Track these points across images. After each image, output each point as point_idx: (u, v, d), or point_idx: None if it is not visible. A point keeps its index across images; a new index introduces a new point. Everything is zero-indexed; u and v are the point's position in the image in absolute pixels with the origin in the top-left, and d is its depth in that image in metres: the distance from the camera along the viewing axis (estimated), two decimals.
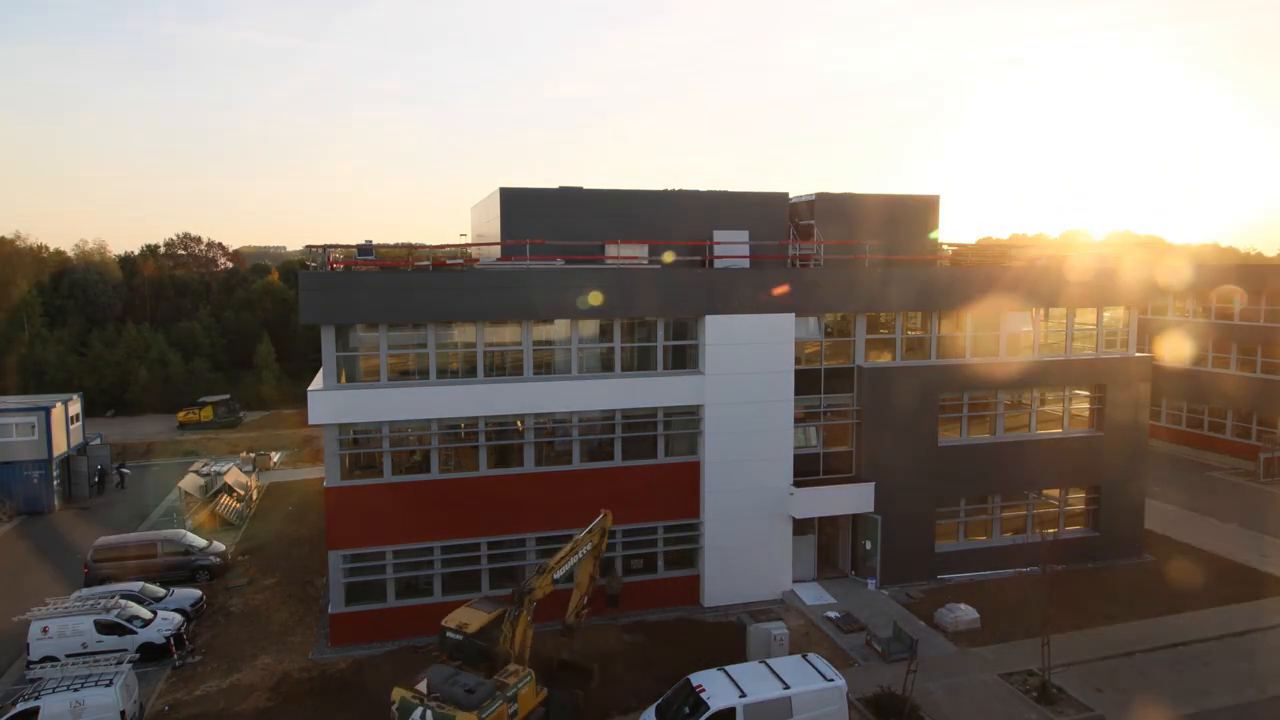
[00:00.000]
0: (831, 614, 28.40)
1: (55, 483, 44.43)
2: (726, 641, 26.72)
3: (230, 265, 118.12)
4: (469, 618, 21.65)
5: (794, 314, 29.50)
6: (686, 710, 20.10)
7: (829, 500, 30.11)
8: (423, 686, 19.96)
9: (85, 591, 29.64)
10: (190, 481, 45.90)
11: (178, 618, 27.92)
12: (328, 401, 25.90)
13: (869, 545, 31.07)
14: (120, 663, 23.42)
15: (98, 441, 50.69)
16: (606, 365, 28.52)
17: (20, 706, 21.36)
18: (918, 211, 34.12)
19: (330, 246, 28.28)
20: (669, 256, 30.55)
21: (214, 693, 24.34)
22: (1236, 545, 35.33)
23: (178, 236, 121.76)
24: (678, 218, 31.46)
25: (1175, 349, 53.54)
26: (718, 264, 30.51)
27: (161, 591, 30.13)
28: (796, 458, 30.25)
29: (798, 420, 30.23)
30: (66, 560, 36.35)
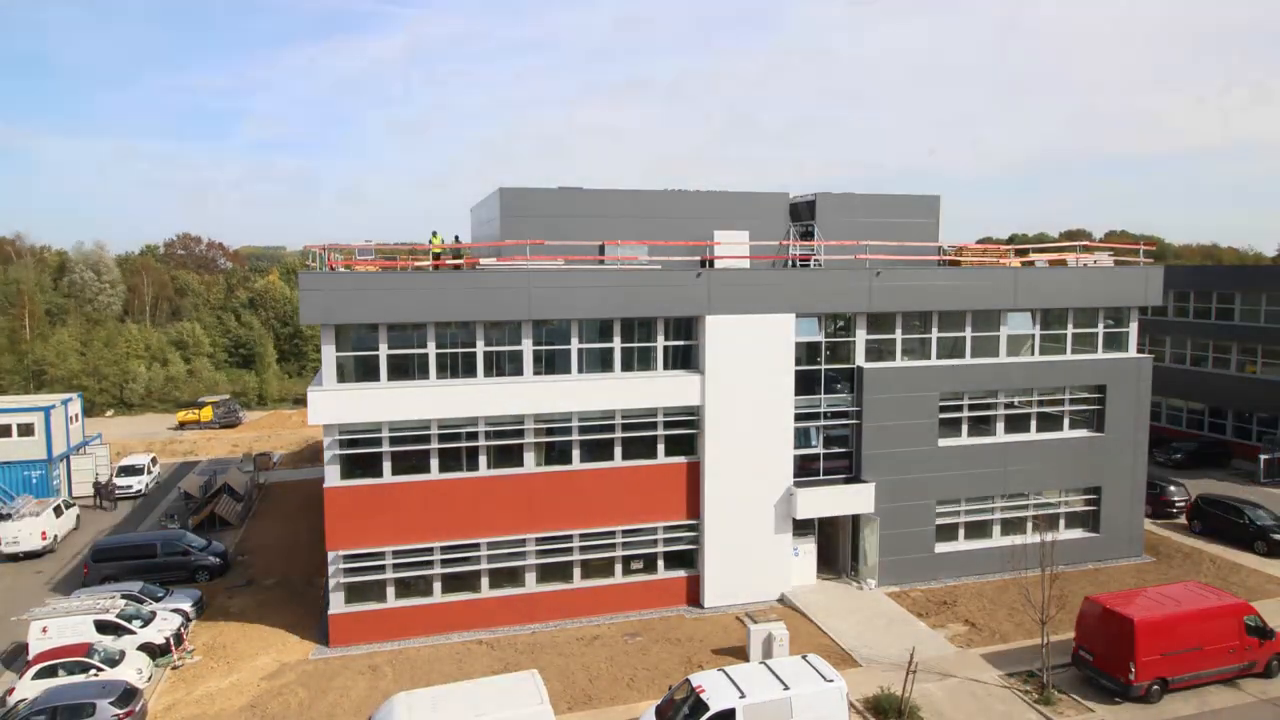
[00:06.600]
0: (831, 615, 28.37)
1: (55, 483, 44.43)
2: (726, 642, 26.76)
3: (230, 265, 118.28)
4: None
5: (794, 314, 29.50)
6: (687, 711, 20.09)
7: (829, 501, 30.09)
8: None
9: (85, 591, 29.64)
10: (191, 482, 45.99)
11: (177, 618, 27.90)
12: (328, 401, 25.90)
13: (869, 546, 31.02)
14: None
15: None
16: (606, 365, 28.51)
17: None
18: (918, 211, 34.11)
19: (330, 247, 28.29)
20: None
21: (214, 693, 24.34)
22: (1235, 546, 35.33)
23: (177, 237, 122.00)
24: (678, 218, 31.45)
25: (1175, 349, 53.50)
26: (718, 264, 30.50)
27: (161, 591, 30.12)
28: (796, 458, 30.26)
29: (798, 421, 30.23)
30: (66, 560, 36.32)
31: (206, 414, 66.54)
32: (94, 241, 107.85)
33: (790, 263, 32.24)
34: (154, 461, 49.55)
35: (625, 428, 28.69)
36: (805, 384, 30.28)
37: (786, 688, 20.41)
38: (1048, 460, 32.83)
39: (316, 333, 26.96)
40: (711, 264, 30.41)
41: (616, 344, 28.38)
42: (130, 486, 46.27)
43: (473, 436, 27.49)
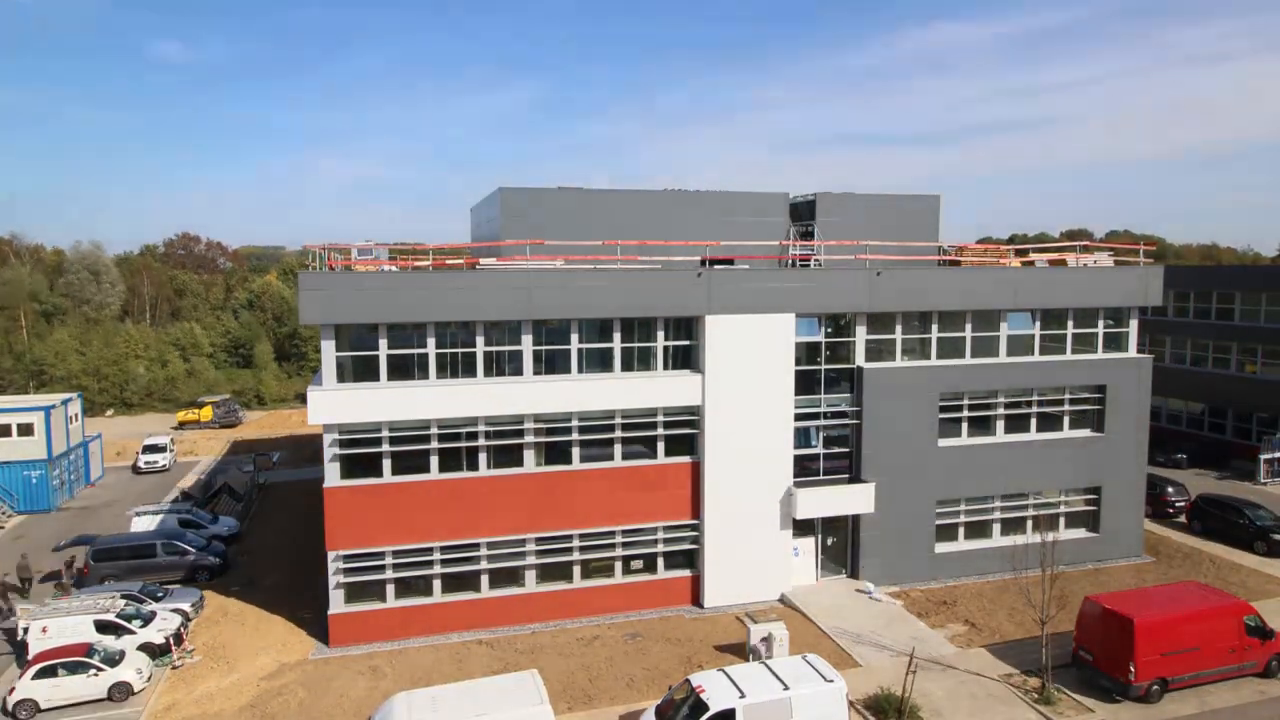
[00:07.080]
0: (831, 615, 28.36)
1: (55, 483, 44.45)
2: (726, 642, 26.75)
3: (230, 265, 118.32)
4: None
5: (794, 314, 29.50)
6: (687, 711, 20.10)
7: (829, 501, 30.09)
8: None
9: (85, 591, 29.62)
10: (191, 483, 46.02)
11: (177, 618, 27.89)
12: (327, 401, 25.89)
13: (868, 546, 31.00)
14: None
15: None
16: (606, 365, 28.51)
17: None
18: (918, 211, 34.14)
19: (330, 247, 28.29)
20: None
21: (214, 692, 24.33)
22: (1235, 546, 35.32)
23: (177, 236, 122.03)
24: (678, 218, 31.47)
25: (1175, 349, 53.51)
26: (718, 264, 30.50)
27: (161, 591, 30.10)
28: (796, 458, 30.26)
29: (797, 420, 30.22)
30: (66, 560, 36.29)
31: (206, 414, 66.57)
32: (91, 241, 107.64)
33: (790, 263, 32.25)
34: (172, 441, 55.80)
35: (625, 427, 28.68)
36: (805, 384, 30.27)
37: (786, 688, 20.42)
38: (1048, 460, 32.82)
39: (316, 333, 26.94)
40: (712, 264, 30.42)
41: (616, 344, 28.38)
42: (156, 462, 53.11)
43: (473, 436, 27.48)
